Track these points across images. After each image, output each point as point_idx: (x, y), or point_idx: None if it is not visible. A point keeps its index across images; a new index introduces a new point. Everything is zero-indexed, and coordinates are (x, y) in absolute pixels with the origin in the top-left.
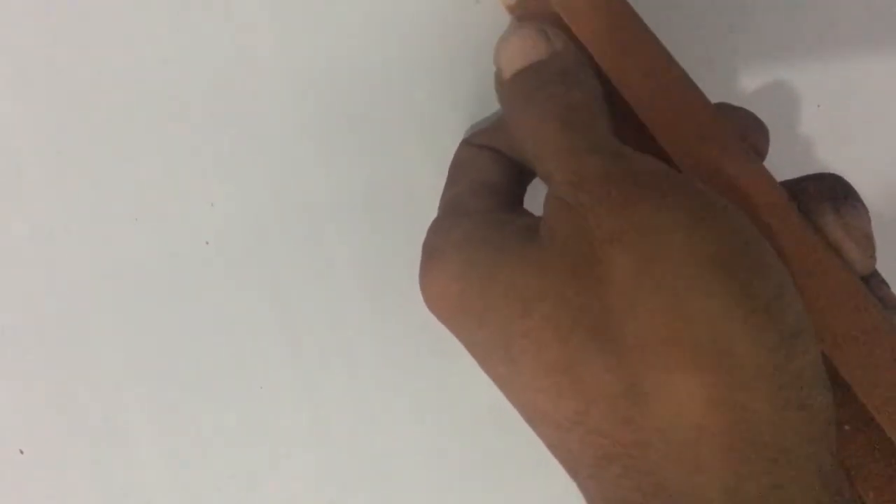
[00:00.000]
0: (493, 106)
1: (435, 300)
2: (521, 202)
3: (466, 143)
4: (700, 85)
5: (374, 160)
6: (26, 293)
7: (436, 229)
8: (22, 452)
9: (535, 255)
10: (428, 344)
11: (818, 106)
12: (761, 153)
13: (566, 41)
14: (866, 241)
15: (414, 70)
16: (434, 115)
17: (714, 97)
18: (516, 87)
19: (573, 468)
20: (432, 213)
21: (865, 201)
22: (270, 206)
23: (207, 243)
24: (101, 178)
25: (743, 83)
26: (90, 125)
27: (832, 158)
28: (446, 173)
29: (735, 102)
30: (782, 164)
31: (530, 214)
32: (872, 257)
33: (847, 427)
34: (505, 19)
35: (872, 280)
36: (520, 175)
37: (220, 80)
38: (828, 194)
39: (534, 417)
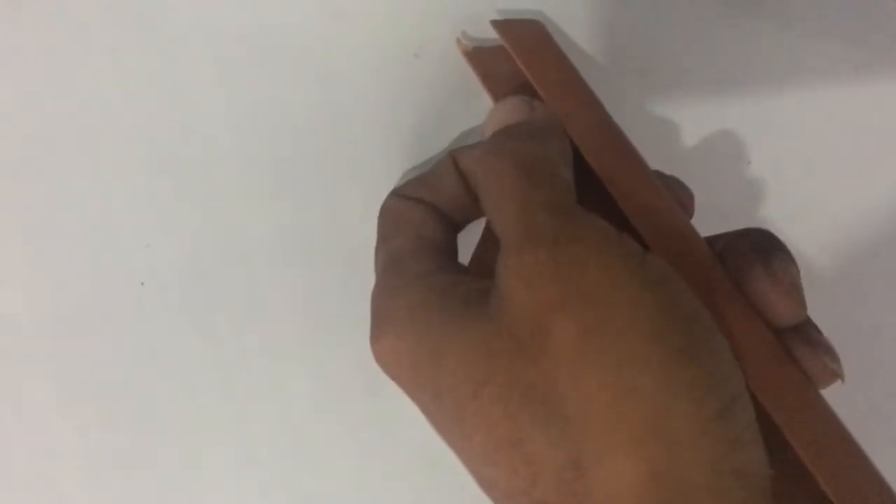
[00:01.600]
0: (428, 157)
1: (388, 366)
2: (457, 256)
3: (398, 195)
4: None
5: (312, 206)
6: None
7: (382, 290)
8: None
9: (481, 331)
10: (362, 385)
11: (749, 163)
12: (688, 214)
13: (546, 110)
14: (794, 291)
15: (354, 120)
16: (372, 163)
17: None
18: (488, 143)
19: None
20: (368, 256)
21: (795, 256)
22: (206, 248)
23: (143, 284)
24: (36, 215)
25: (674, 144)
26: (27, 165)
27: (764, 214)
28: None
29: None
30: (713, 221)
31: (473, 277)
32: (802, 306)
33: (782, 479)
34: (445, 71)
35: (806, 327)
36: (454, 229)
37: (159, 122)
38: (755, 248)
39: (484, 485)
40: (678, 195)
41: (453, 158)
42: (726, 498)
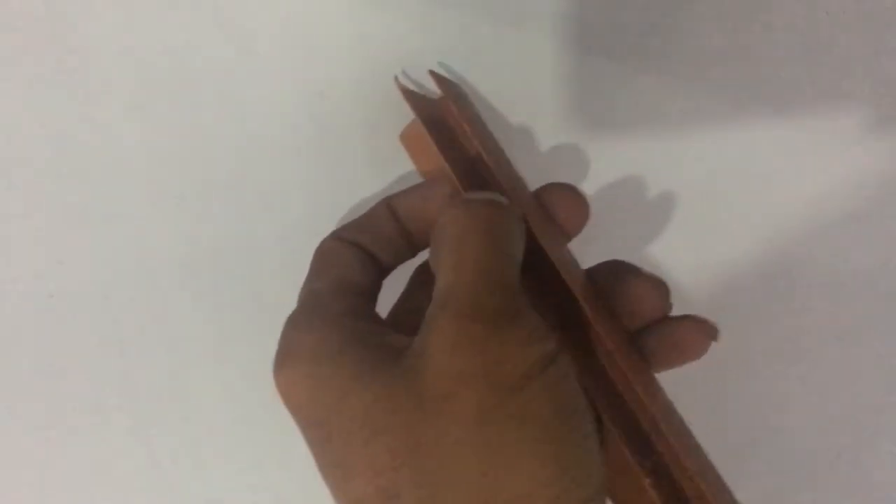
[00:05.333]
0: (329, 188)
1: (288, 397)
2: (375, 302)
3: (332, 236)
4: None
5: (220, 229)
6: None
7: (295, 323)
8: None
9: (392, 384)
10: (263, 402)
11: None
12: (573, 228)
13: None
14: (662, 284)
15: (261, 149)
16: (277, 191)
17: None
18: (456, 198)
19: None
20: (278, 278)
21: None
22: (116, 265)
23: (51, 297)
24: None
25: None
26: None
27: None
28: (295, 249)
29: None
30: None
31: (390, 330)
32: (669, 296)
33: None
34: (349, 111)
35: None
36: (380, 274)
37: (73, 142)
38: (623, 264)
39: None
40: (565, 210)
41: (388, 203)
42: None
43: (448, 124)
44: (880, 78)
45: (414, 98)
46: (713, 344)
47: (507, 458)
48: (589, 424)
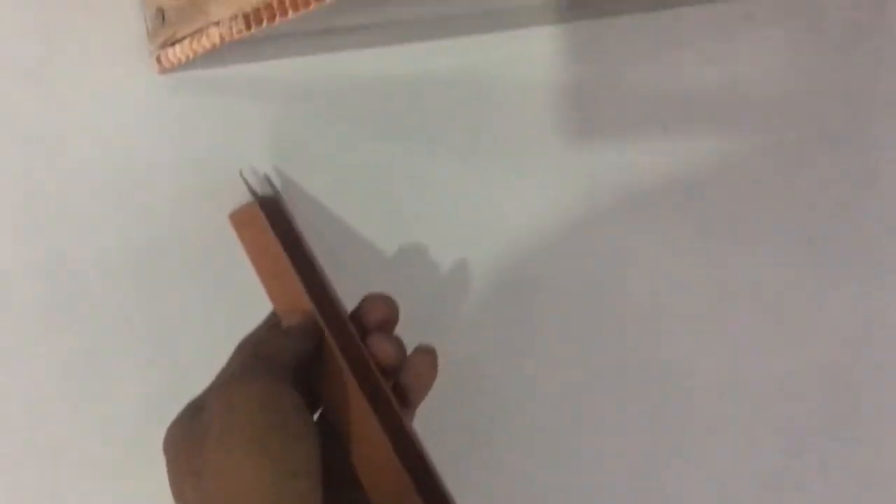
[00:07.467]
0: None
1: (165, 452)
2: None
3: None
4: None
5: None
6: None
7: (174, 422)
8: None
9: (191, 427)
10: None
11: None
12: (374, 323)
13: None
14: (396, 339)
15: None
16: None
17: None
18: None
19: None
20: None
21: None
22: None
23: None
24: None
25: None
26: None
27: None
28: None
29: None
30: None
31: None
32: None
33: None
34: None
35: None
36: None
37: None
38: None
39: None
40: (372, 311)
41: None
42: None
43: (274, 219)
44: None
45: (252, 190)
46: None
47: (240, 463)
48: (303, 438)
